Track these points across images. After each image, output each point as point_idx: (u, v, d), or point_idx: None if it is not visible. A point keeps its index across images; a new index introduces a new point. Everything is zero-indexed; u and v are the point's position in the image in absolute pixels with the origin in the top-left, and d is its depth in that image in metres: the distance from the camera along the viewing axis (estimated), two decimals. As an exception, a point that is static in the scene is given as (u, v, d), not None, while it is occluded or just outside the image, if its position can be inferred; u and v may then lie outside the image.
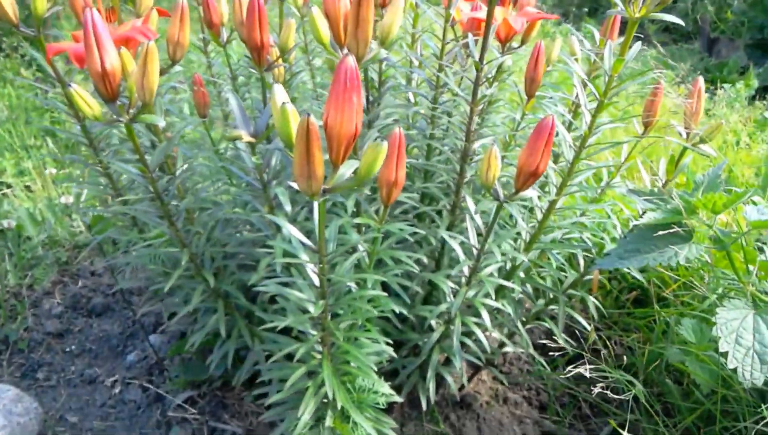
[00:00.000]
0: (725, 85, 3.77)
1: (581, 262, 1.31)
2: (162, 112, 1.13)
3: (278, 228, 1.11)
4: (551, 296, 1.39)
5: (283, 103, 0.76)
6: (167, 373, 1.51)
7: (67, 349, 1.60)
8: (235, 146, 1.14)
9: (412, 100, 1.42)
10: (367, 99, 1.26)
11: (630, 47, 1.11)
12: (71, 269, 1.89)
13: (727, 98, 3.65)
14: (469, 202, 1.09)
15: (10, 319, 1.65)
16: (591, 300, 1.35)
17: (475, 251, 1.11)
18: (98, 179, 1.30)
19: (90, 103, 0.88)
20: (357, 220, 0.96)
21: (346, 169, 0.81)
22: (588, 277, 1.38)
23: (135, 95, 0.91)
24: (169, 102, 1.41)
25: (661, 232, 1.15)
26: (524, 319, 1.41)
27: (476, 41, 1.35)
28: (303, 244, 0.91)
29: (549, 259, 1.35)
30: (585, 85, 1.16)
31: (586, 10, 4.98)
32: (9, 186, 2.40)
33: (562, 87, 1.78)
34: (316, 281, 0.94)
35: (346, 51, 0.93)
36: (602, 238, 1.34)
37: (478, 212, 1.10)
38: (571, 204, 1.40)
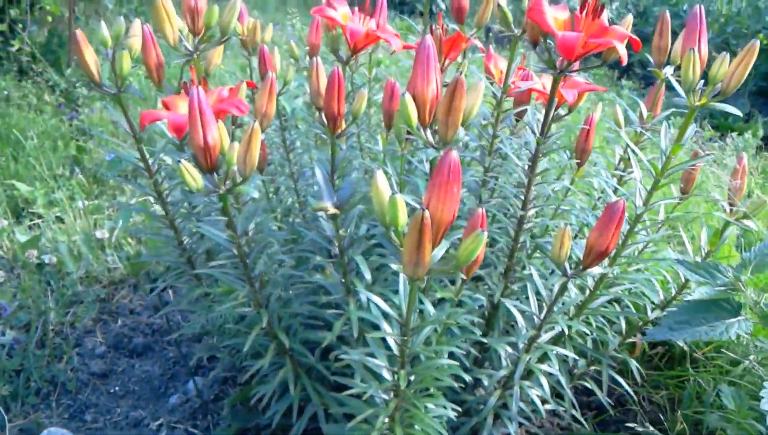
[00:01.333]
0: (732, 134, 3.86)
1: (623, 326, 1.36)
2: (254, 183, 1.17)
3: (348, 291, 1.15)
4: (593, 358, 1.44)
5: (393, 194, 0.81)
6: (212, 417, 1.54)
7: (112, 390, 1.63)
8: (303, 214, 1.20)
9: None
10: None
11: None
12: (110, 307, 1.92)
13: (734, 147, 3.74)
14: (534, 273, 1.14)
15: (56, 358, 1.68)
16: (633, 364, 1.40)
17: (536, 320, 1.16)
18: (150, 207, 1.33)
19: (195, 177, 0.93)
20: (438, 295, 1.01)
21: (440, 252, 0.86)
22: (630, 339, 1.44)
23: (233, 168, 0.96)
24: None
25: (710, 305, 1.20)
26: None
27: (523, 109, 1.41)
28: (384, 313, 0.95)
29: (591, 322, 1.40)
30: (639, 160, 1.22)
31: (617, 72, 4.99)
32: (40, 216, 2.43)
33: (602, 152, 1.84)
34: (396, 350, 0.99)
35: (429, 133, 0.99)
36: (644, 304, 1.40)
37: (539, 281, 1.15)
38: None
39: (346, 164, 1.50)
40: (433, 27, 1.39)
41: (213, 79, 1.45)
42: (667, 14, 1.26)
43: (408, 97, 0.97)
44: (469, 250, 0.83)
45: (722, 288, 1.18)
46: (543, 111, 1.22)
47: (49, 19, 3.24)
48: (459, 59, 1.49)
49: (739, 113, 1.06)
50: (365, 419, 1.09)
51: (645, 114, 1.42)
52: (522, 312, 1.19)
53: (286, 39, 5.19)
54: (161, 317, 1.86)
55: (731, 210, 1.33)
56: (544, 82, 1.43)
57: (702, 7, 1.08)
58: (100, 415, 1.55)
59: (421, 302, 1.07)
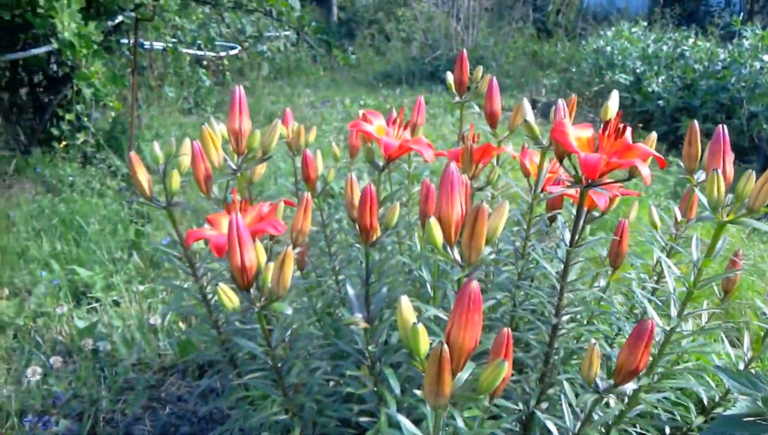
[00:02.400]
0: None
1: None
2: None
3: (380, 399, 1.18)
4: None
5: (414, 323, 0.85)
6: None
7: (157, 481, 1.67)
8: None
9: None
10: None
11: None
12: (160, 394, 1.98)
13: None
14: (567, 387, 1.15)
15: (106, 448, 1.74)
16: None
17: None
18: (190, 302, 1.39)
19: (231, 298, 0.99)
20: (467, 414, 1.03)
21: (464, 375, 0.89)
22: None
23: (267, 286, 1.02)
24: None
25: (752, 419, 1.17)
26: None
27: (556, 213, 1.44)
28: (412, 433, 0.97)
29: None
30: (672, 272, 1.22)
31: (641, 125, 5.07)
32: (98, 300, 2.54)
33: (640, 251, 1.84)
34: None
35: (456, 254, 1.03)
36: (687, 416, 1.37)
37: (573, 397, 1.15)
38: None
39: (383, 264, 1.54)
40: (464, 136, 1.45)
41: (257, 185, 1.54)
42: (696, 124, 1.28)
43: (433, 221, 1.02)
44: (491, 378, 0.85)
45: (763, 403, 1.15)
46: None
47: (113, 114, 3.47)
48: (494, 162, 1.55)
49: (766, 228, 1.07)
50: None
51: (679, 217, 1.43)
52: (557, 425, 1.19)
53: (335, 123, 5.38)
54: (208, 406, 1.91)
55: (772, 315, 1.31)
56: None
57: (725, 126, 1.10)
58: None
59: (452, 417, 1.09)
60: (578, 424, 1.13)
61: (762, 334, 1.33)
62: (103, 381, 1.96)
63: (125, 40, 3.94)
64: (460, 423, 1.07)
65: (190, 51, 5.28)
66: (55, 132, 3.75)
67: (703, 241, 1.27)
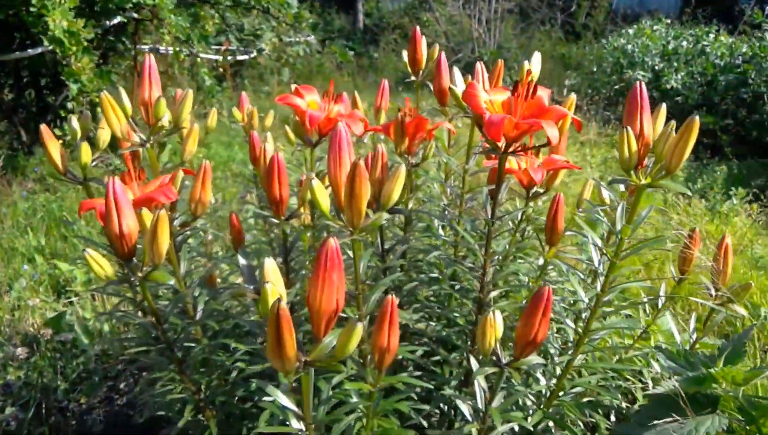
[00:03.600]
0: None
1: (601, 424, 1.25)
2: (185, 260, 1.19)
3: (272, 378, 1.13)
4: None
5: (267, 283, 0.80)
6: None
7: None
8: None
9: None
10: (382, 247, 1.29)
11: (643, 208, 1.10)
12: (118, 384, 1.96)
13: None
14: (474, 364, 1.08)
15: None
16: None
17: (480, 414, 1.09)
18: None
19: (103, 265, 0.95)
20: (347, 386, 0.97)
21: (330, 341, 0.83)
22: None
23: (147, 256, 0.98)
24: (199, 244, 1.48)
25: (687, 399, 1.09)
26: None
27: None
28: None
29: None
30: (599, 248, 1.15)
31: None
32: (77, 294, 2.54)
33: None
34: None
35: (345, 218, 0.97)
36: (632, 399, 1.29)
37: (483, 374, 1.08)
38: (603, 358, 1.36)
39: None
40: (399, 111, 1.40)
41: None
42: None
43: (317, 183, 0.96)
44: (345, 341, 0.79)
45: (691, 383, 1.07)
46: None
47: (100, 110, 3.49)
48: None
49: (687, 192, 0.99)
50: None
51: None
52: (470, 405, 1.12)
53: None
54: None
55: (716, 294, 1.22)
56: (520, 161, 1.39)
57: (642, 83, 1.02)
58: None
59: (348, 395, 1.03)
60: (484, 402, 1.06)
61: (706, 314, 1.24)
62: (60, 371, 1.94)
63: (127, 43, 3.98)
64: (353, 399, 1.01)
65: (209, 55, 5.32)
66: (58, 132, 3.79)
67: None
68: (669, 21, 8.06)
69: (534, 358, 0.99)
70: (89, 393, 1.89)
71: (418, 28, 1.58)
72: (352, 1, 11.99)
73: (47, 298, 2.50)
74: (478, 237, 1.28)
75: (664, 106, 1.07)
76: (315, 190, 0.96)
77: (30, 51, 3.35)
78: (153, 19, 3.69)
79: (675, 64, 6.13)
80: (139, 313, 1.38)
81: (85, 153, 1.23)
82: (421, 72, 1.60)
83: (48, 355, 1.98)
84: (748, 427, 1.10)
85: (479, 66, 1.16)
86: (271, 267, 0.85)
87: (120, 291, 1.42)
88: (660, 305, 1.34)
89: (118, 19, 3.68)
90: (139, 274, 0.98)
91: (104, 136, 1.29)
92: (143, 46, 4.57)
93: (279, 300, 0.73)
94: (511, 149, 1.09)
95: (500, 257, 1.30)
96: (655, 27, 7.56)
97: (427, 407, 1.17)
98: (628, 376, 1.34)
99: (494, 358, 1.00)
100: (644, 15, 10.98)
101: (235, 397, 1.17)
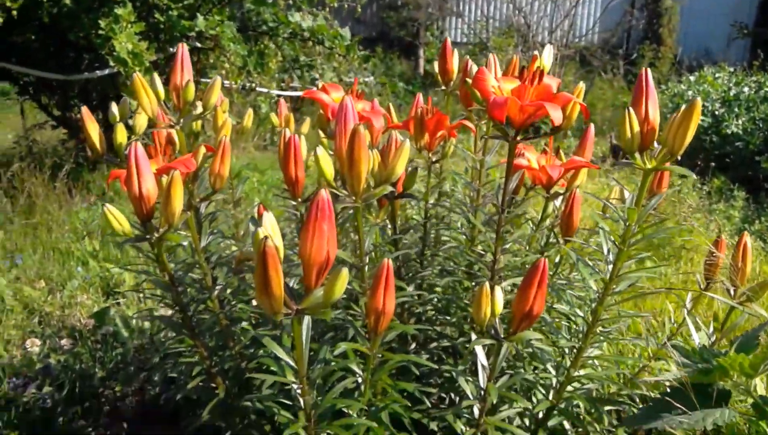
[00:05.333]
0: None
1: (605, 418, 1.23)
2: (206, 235, 1.25)
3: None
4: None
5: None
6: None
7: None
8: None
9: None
10: (394, 232, 1.32)
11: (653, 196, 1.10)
12: (153, 375, 2.02)
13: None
14: (473, 338, 1.09)
15: (85, 418, 1.79)
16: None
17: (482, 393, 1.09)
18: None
19: (120, 221, 1.02)
20: (343, 346, 0.99)
21: (321, 291, 0.86)
22: None
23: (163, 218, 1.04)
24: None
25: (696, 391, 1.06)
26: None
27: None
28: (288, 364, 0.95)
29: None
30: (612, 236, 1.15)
31: (713, 164, 4.84)
32: (125, 296, 2.65)
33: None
34: (302, 403, 0.97)
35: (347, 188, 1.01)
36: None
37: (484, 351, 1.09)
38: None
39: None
40: (420, 107, 1.44)
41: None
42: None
43: (322, 151, 1.01)
44: (333, 285, 0.83)
45: (701, 373, 1.05)
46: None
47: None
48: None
49: (692, 174, 0.99)
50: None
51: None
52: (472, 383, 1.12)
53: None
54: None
55: (735, 292, 1.20)
56: (537, 158, 1.41)
57: (647, 70, 1.04)
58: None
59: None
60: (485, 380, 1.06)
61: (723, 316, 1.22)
62: (99, 360, 2.02)
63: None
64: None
65: (269, 90, 5.55)
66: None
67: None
68: (732, 69, 7.90)
69: (531, 333, 1.00)
70: (124, 382, 1.96)
71: (449, 39, 1.64)
72: (414, 47, 12.23)
73: (97, 298, 2.61)
74: (493, 230, 1.29)
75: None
76: (319, 157, 1.01)
77: (98, 72, 3.58)
78: (214, 49, 3.89)
79: (736, 109, 5.99)
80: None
81: (121, 134, 1.32)
82: (451, 82, 1.64)
83: (89, 345, 2.06)
84: (760, 423, 1.06)
85: (492, 57, 1.20)
86: (269, 220, 0.90)
87: (142, 249, 1.47)
88: (685, 315, 1.32)
89: (182, 46, 3.89)
90: (156, 235, 1.05)
91: (141, 121, 1.38)
92: (206, 79, 4.81)
93: (266, 238, 0.77)
94: (519, 137, 1.12)
95: (515, 252, 1.31)
96: (716, 74, 7.42)
97: (432, 390, 1.18)
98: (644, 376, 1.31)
99: (492, 332, 1.01)
100: (710, 65, 10.79)
101: (243, 366, 1.20)
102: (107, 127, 4.15)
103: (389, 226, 1.35)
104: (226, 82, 4.86)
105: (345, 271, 0.81)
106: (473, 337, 1.09)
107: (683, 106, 0.97)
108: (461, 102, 1.50)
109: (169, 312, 1.47)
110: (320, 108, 1.46)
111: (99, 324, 2.21)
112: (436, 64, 1.59)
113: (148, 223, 1.04)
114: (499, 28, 10.69)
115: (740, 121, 5.71)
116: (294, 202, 1.25)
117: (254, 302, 1.32)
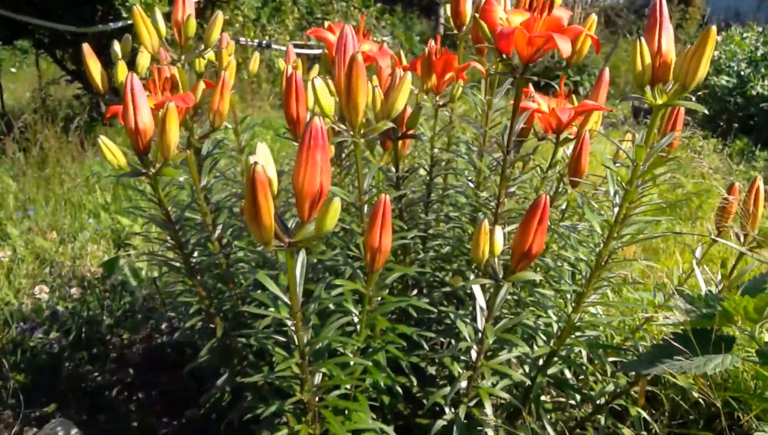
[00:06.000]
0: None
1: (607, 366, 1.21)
2: (207, 173, 1.23)
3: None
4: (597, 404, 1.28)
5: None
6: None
7: (133, 398, 1.71)
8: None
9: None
10: (396, 172, 1.30)
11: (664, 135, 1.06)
12: (160, 325, 2.04)
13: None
14: (471, 276, 1.07)
15: (91, 363, 1.80)
16: (642, 414, 1.21)
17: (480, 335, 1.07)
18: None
19: (116, 154, 1.00)
20: (339, 284, 0.97)
21: (314, 223, 0.84)
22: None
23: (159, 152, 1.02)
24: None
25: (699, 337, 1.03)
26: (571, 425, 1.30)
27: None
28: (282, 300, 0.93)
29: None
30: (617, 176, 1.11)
31: (736, 125, 4.73)
32: (135, 248, 2.66)
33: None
34: (296, 340, 0.96)
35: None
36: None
37: (481, 292, 1.06)
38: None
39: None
40: (428, 46, 1.39)
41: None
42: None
43: (320, 84, 0.98)
44: (322, 217, 0.80)
45: (704, 319, 1.01)
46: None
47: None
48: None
49: (704, 110, 0.95)
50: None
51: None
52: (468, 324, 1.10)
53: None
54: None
55: (745, 238, 1.16)
56: (548, 102, 1.36)
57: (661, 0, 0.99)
58: (115, 418, 1.62)
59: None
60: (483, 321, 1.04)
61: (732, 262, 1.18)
62: (107, 308, 2.03)
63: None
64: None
65: (284, 47, 5.47)
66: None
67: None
68: (761, 29, 7.66)
69: (530, 274, 0.97)
70: (132, 330, 1.97)
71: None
72: (435, 6, 12.02)
73: (108, 249, 2.63)
74: (497, 173, 1.26)
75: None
76: (317, 89, 0.98)
77: (111, 24, 3.55)
78: (229, 1, 3.84)
79: (762, 70, 5.83)
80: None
81: (122, 71, 1.29)
82: (464, 27, 1.58)
83: (97, 293, 2.08)
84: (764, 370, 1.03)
85: (500, -9, 1.15)
86: (263, 149, 0.87)
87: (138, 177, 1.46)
88: (696, 262, 1.28)
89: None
90: (152, 170, 1.03)
91: (143, 61, 1.35)
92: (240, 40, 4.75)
93: (255, 163, 0.75)
94: (528, 71, 1.08)
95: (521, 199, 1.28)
96: (744, 34, 7.21)
97: (431, 334, 1.16)
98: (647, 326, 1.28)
99: (491, 272, 0.98)
100: (738, 27, 10.49)
101: (241, 306, 1.20)
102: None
103: (393, 169, 1.32)
104: (241, 39, 4.81)
105: (337, 200, 0.79)
106: (471, 278, 1.07)
107: (702, 33, 0.92)
108: (473, 42, 1.45)
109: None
110: (325, 47, 1.42)
111: (108, 273, 2.22)
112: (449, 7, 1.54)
113: (145, 158, 1.02)
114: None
115: (766, 82, 5.56)
116: (296, 143, 1.22)
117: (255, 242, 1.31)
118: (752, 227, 1.15)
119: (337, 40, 0.98)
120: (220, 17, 1.25)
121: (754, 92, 5.51)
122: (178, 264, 1.23)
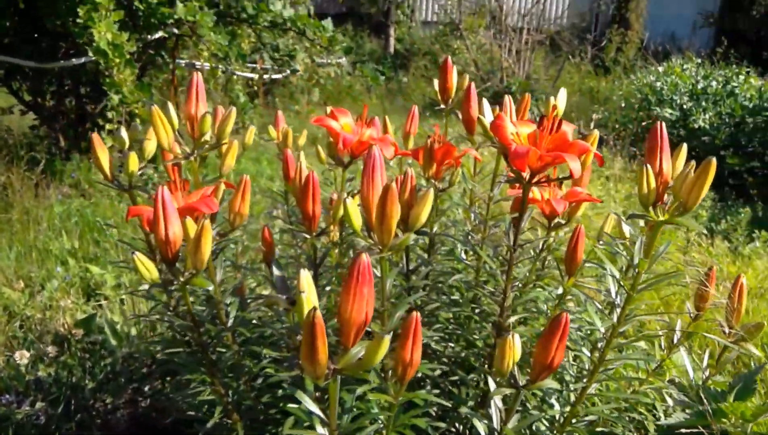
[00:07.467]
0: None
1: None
2: (221, 268, 1.26)
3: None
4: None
5: (301, 292, 0.86)
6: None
7: (122, 468, 1.70)
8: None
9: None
10: (407, 268, 1.35)
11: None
12: (143, 387, 2.02)
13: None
14: (491, 384, 1.12)
15: (78, 432, 1.78)
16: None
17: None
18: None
19: (149, 268, 1.02)
20: (369, 396, 1.02)
21: (358, 351, 0.88)
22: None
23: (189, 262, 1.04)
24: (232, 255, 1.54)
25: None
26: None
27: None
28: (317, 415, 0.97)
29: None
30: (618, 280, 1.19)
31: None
32: (106, 298, 2.63)
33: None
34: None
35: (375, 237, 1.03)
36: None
37: (499, 395, 1.12)
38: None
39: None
40: (428, 138, 1.46)
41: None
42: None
43: (350, 201, 1.02)
44: (373, 352, 0.85)
45: (697, 416, 1.10)
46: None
47: (139, 121, 3.61)
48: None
49: (701, 229, 1.03)
50: None
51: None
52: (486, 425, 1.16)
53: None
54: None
55: (730, 332, 1.25)
56: (543, 192, 1.44)
57: (662, 124, 1.08)
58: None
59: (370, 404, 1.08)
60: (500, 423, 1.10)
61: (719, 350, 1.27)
62: (89, 371, 2.01)
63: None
64: (375, 409, 1.06)
65: (243, 73, 5.47)
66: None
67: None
68: (699, 61, 8.06)
69: (549, 382, 1.04)
70: (114, 393, 1.95)
71: (449, 58, 1.64)
72: (384, 26, 12.15)
73: (78, 300, 2.58)
74: (499, 263, 1.33)
75: (685, 146, 1.12)
76: (349, 209, 1.02)
77: (74, 60, 3.49)
78: (192, 36, 3.82)
79: (704, 103, 6.14)
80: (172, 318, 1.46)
81: (133, 162, 1.30)
82: (450, 100, 1.65)
83: (77, 355, 2.05)
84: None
85: (507, 99, 1.22)
86: (306, 278, 0.91)
87: (155, 296, 1.49)
88: (676, 341, 1.37)
89: (159, 34, 3.82)
90: (182, 279, 1.05)
91: (150, 147, 1.37)
92: (180, 61, 4.71)
93: (315, 309, 0.79)
94: (535, 180, 1.15)
95: (520, 284, 1.35)
96: (685, 66, 7.57)
97: (443, 425, 1.22)
98: (642, 410, 1.36)
99: (512, 380, 1.04)
100: (675, 52, 11.00)
101: (261, 403, 1.22)
102: (78, 118, 4.07)
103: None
104: (197, 63, 4.78)
105: (387, 339, 0.83)
106: (490, 382, 1.12)
107: (698, 168, 1.00)
108: (464, 127, 1.52)
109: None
110: (329, 134, 1.46)
111: (86, 332, 2.18)
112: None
113: (174, 268, 1.04)
114: (470, 7, 10.70)
115: (707, 116, 5.86)
116: (308, 236, 1.25)
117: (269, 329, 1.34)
118: (736, 321, 1.24)
119: (366, 160, 1.02)
120: (233, 113, 1.28)
121: (696, 125, 5.79)
122: (189, 354, 1.25)
